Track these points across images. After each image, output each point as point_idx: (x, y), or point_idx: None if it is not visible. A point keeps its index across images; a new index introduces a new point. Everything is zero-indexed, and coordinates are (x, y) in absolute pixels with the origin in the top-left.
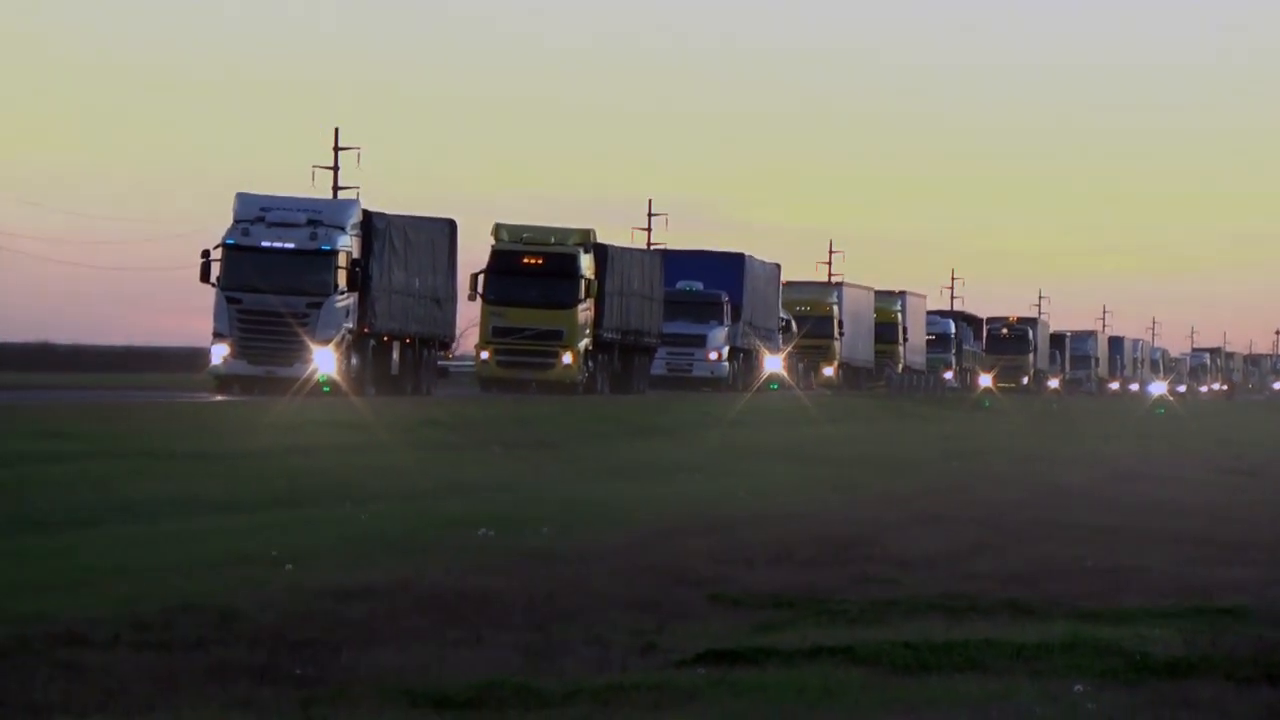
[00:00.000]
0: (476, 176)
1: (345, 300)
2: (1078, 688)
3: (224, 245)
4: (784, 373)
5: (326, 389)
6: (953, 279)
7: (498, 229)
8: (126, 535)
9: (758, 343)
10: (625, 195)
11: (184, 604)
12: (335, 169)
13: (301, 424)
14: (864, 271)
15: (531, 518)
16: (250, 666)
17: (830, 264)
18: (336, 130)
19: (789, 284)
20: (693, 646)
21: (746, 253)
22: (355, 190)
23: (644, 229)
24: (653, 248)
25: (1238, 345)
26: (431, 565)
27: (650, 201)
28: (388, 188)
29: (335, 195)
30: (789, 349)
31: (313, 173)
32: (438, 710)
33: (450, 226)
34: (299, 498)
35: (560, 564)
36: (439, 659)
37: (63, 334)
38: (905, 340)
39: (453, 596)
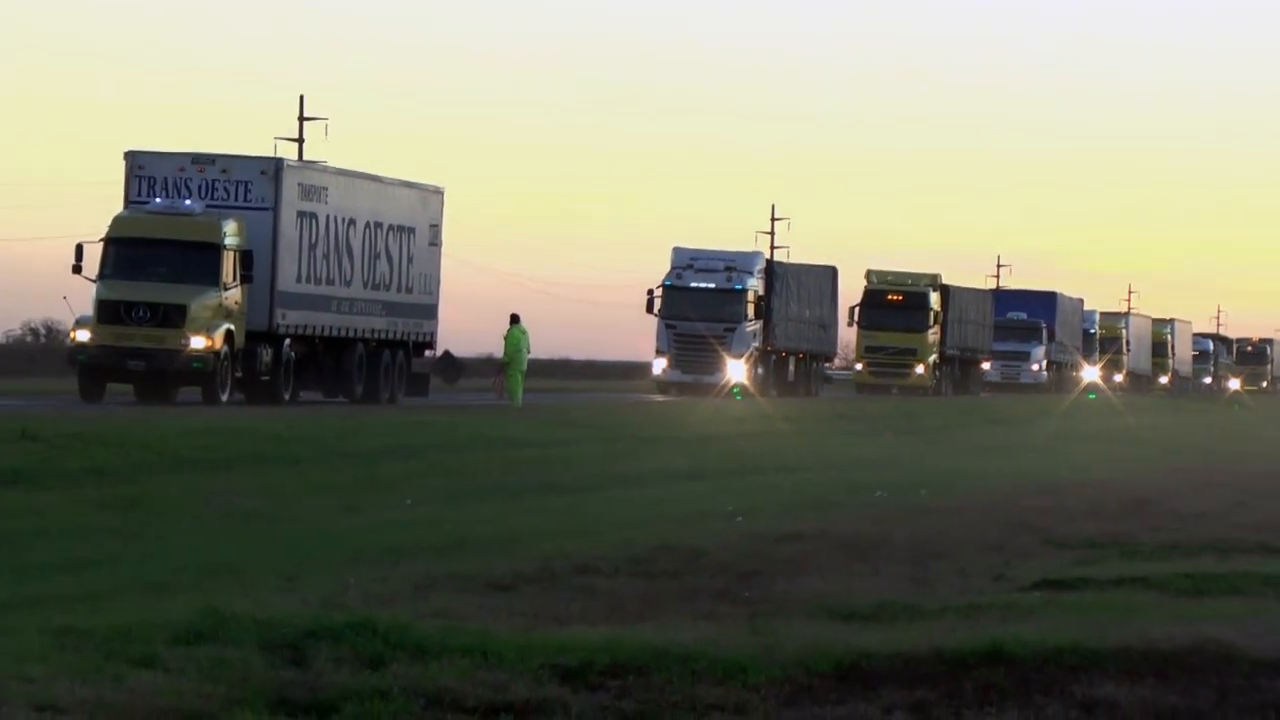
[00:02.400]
0: (862, 233)
1: (753, 326)
2: None
3: (664, 286)
4: (1099, 381)
5: (738, 393)
6: (1218, 312)
7: (869, 273)
8: (621, 496)
9: (1067, 358)
10: (976, 246)
11: (664, 545)
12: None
13: (733, 416)
14: (1156, 305)
15: (912, 483)
16: (711, 590)
17: (1129, 300)
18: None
19: (1089, 312)
20: (1030, 576)
21: (1058, 290)
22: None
23: (994, 275)
24: (987, 288)
25: None
26: (841, 518)
27: (999, 256)
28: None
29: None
30: (1101, 362)
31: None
32: (846, 621)
33: (833, 271)
34: (744, 468)
35: (934, 517)
36: (847, 586)
37: (568, 351)
38: (1174, 355)
39: (857, 540)
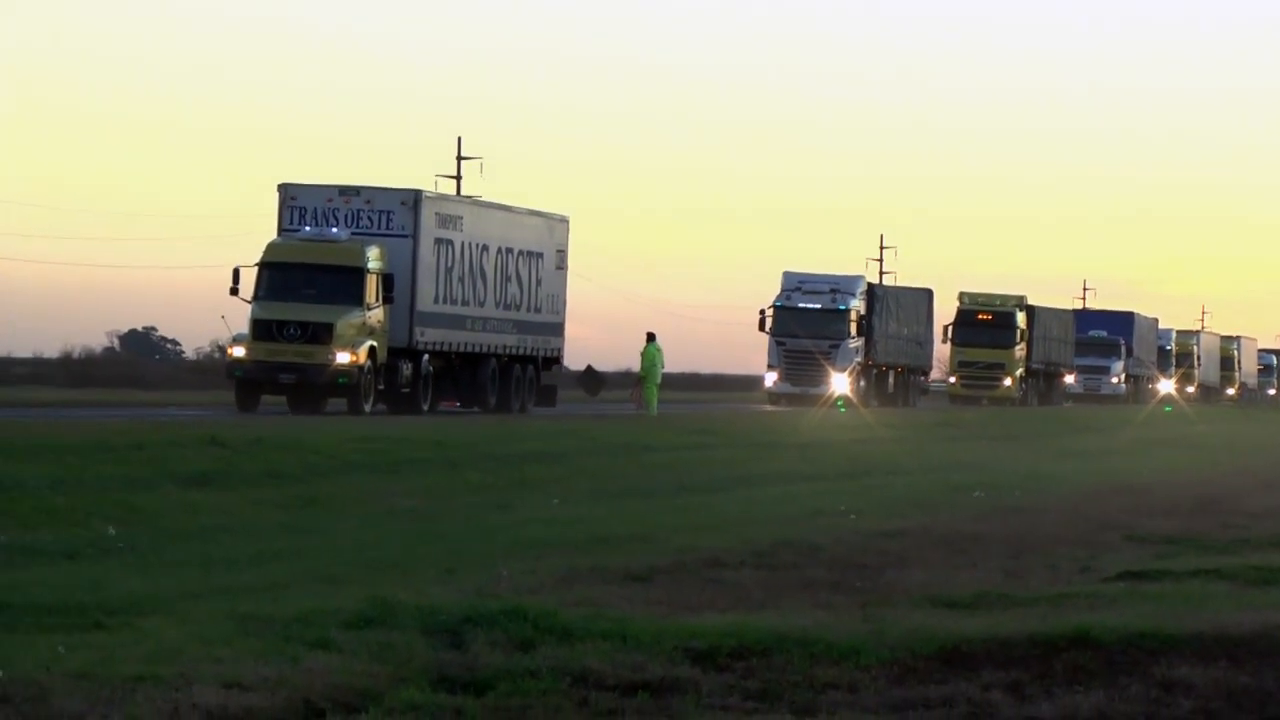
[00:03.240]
0: (959, 259)
1: (855, 342)
2: None
3: (774, 307)
4: (1174, 392)
5: (841, 405)
6: None
7: (961, 295)
8: (745, 496)
9: (1143, 371)
10: (1064, 272)
11: (784, 540)
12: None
13: (840, 424)
14: (1224, 323)
15: (1007, 484)
16: (826, 581)
17: (1203, 320)
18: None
19: (1164, 331)
20: (1114, 568)
21: (1135, 311)
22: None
23: (1080, 297)
24: (1069, 308)
25: None
26: (942, 516)
27: (1084, 281)
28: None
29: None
30: (1176, 376)
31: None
32: (948, 609)
33: (929, 294)
34: (854, 471)
35: (1026, 515)
36: (947, 577)
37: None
38: (1240, 369)
39: (956, 536)
